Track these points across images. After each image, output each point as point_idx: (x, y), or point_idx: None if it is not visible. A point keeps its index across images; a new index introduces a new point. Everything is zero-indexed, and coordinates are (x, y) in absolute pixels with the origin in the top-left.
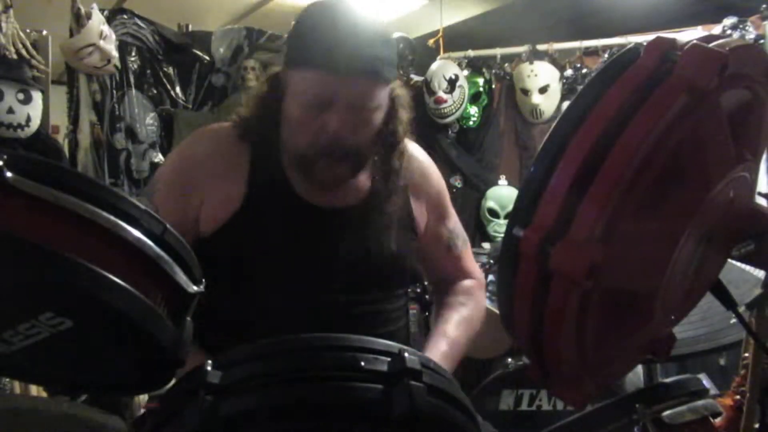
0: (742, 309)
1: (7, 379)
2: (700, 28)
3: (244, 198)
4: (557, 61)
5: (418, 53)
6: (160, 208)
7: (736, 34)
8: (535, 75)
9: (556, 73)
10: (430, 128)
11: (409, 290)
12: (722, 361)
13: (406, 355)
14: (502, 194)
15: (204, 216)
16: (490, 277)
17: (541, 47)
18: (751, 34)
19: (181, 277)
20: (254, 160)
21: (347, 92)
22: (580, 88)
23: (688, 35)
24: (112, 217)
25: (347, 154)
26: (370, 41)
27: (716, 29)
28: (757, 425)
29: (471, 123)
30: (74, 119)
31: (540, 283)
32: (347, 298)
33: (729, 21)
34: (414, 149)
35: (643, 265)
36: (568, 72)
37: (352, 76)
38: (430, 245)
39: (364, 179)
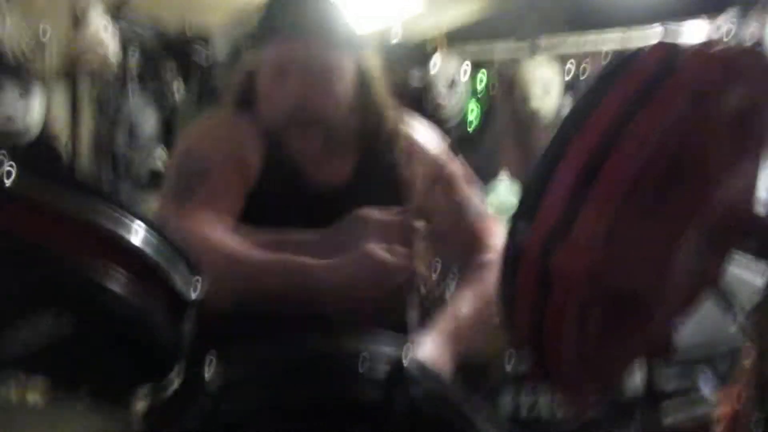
0: (741, 312)
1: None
2: (703, 20)
3: (258, 177)
4: (558, 62)
5: (418, 56)
6: (210, 169)
7: (738, 27)
8: (536, 76)
9: (557, 74)
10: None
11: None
12: (721, 366)
13: (407, 356)
14: (503, 194)
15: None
16: None
17: (542, 45)
18: (753, 29)
19: (180, 280)
20: (262, 136)
21: (296, 54)
22: (580, 89)
23: (692, 26)
24: (112, 219)
25: (314, 123)
26: (317, 9)
27: (719, 21)
28: (756, 429)
29: (471, 124)
30: (75, 120)
31: (541, 284)
32: None
33: (731, 12)
34: (409, 127)
35: (644, 266)
36: (569, 73)
37: (300, 37)
38: (439, 218)
39: (350, 156)
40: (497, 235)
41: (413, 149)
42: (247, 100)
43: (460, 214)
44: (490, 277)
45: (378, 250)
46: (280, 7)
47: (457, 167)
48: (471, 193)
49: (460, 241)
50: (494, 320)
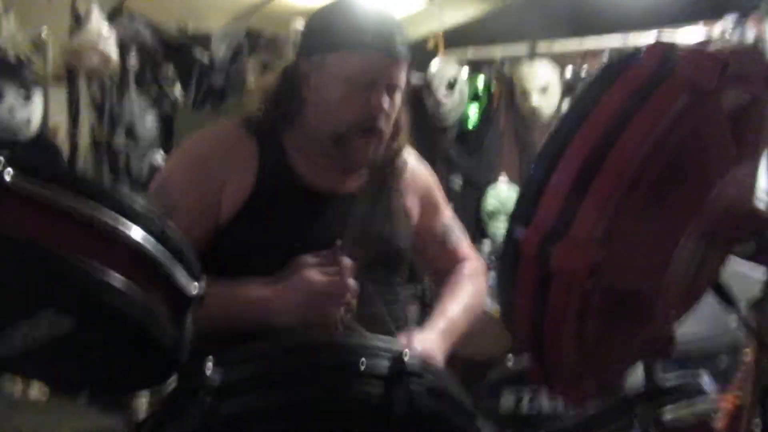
0: (742, 309)
1: (8, 379)
2: (701, 25)
3: (253, 188)
4: (557, 61)
5: (418, 55)
6: (178, 206)
7: (737, 32)
8: (535, 75)
9: (556, 74)
10: (429, 129)
11: (408, 287)
12: (723, 363)
13: (407, 356)
14: (502, 193)
15: (220, 207)
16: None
17: (541, 47)
18: (751, 33)
19: (182, 279)
20: (262, 151)
21: (391, 72)
22: (579, 88)
23: (689, 32)
24: (112, 218)
25: (379, 132)
26: (399, 28)
27: (718, 26)
28: (757, 427)
29: (470, 123)
30: (74, 119)
31: (540, 283)
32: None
33: (730, 18)
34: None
35: (643, 264)
36: (568, 72)
37: (396, 57)
38: (424, 241)
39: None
40: (473, 257)
41: (407, 170)
42: (287, 103)
43: (443, 240)
44: (473, 279)
45: (311, 271)
46: (351, 19)
47: (440, 192)
48: (451, 218)
49: (442, 260)
50: (479, 318)
